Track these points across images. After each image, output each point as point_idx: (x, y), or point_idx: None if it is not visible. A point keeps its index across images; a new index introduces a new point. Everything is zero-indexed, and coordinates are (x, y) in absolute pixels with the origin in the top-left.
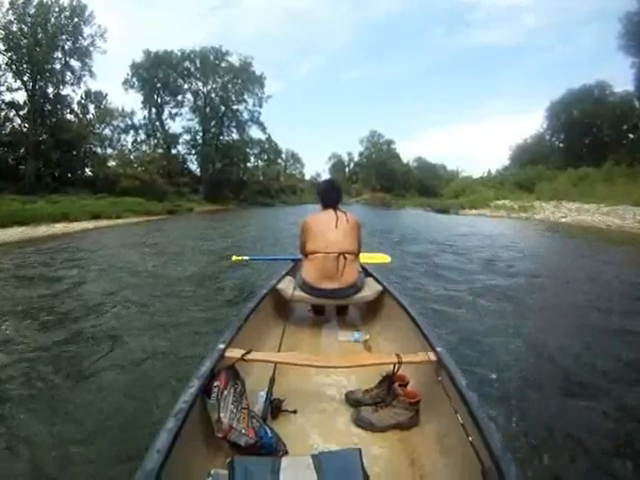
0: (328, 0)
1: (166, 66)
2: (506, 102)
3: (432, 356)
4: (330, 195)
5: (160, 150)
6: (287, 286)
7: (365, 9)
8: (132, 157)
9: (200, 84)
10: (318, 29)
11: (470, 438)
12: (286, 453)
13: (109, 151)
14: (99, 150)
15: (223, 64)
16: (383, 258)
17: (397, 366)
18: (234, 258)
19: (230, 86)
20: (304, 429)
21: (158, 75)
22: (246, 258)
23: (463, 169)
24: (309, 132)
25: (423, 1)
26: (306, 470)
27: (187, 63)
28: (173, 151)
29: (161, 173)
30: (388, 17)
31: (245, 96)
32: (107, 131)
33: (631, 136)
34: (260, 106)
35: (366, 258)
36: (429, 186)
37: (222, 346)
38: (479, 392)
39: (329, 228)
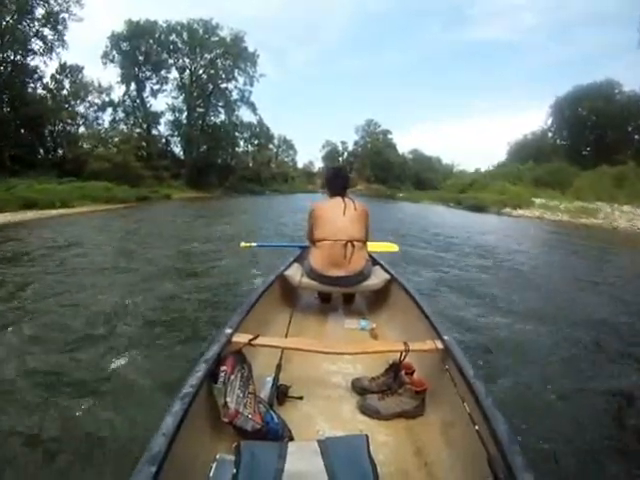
0: None
1: (148, 36)
2: (500, 99)
3: (439, 344)
4: (337, 182)
5: (138, 130)
6: (295, 273)
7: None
8: (103, 136)
9: (187, 60)
10: (316, 17)
11: (476, 427)
12: (291, 439)
13: (82, 130)
14: (70, 129)
15: (213, 38)
16: (391, 247)
17: (404, 354)
18: (242, 244)
19: (219, 62)
20: (310, 415)
21: (140, 47)
22: (254, 245)
23: (458, 163)
24: (302, 119)
25: None
26: (313, 455)
27: (173, 36)
28: (154, 132)
29: (139, 155)
30: (387, 8)
31: (235, 74)
32: (81, 108)
33: (637, 137)
34: (251, 85)
35: (374, 247)
36: (424, 179)
37: (229, 331)
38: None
39: (337, 215)
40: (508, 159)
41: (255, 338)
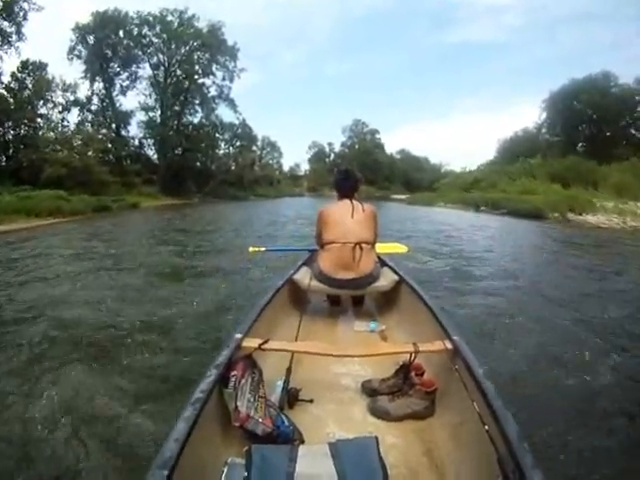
0: None
1: (116, 26)
2: (486, 98)
3: (448, 345)
4: (346, 185)
5: (104, 130)
6: (303, 276)
7: (348, 2)
8: (63, 137)
9: (160, 54)
10: (301, 21)
11: (486, 427)
12: (302, 442)
13: (43, 133)
14: (29, 131)
15: (188, 30)
16: (400, 248)
17: (413, 355)
18: (251, 249)
19: (196, 56)
20: (320, 418)
21: (107, 40)
22: (263, 249)
23: (447, 162)
24: (288, 122)
25: None
26: (323, 458)
27: (146, 29)
28: (126, 134)
29: (106, 159)
30: (373, 10)
31: (213, 68)
32: (44, 109)
33: (633, 131)
34: (231, 81)
35: (382, 248)
36: (413, 179)
37: (239, 336)
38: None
39: (345, 218)
40: (498, 157)
41: (265, 342)
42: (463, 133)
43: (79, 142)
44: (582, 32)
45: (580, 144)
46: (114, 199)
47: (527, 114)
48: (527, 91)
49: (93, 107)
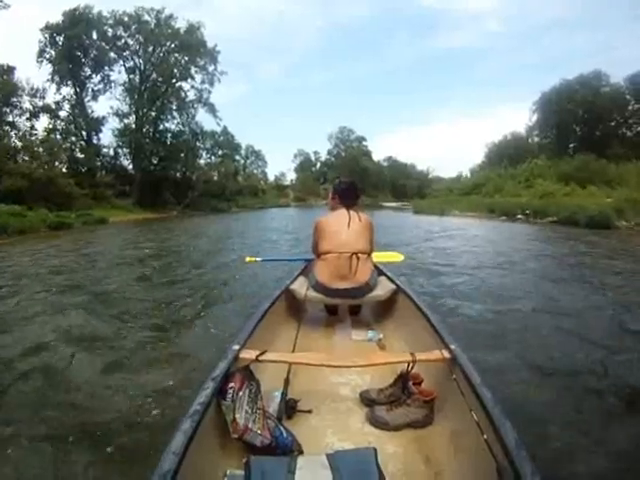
0: (295, 3)
1: (86, 25)
2: (471, 103)
3: (446, 354)
4: (349, 194)
5: (73, 138)
6: (300, 286)
7: (332, 11)
8: (21, 145)
9: (135, 56)
10: (285, 31)
11: (485, 436)
12: (301, 453)
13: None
14: None
15: (166, 30)
16: (396, 257)
17: (411, 365)
18: (247, 259)
19: (174, 58)
20: (319, 429)
21: (78, 40)
22: (259, 259)
23: (433, 169)
24: (273, 131)
25: (389, 6)
26: (322, 469)
27: (120, 30)
28: (100, 143)
29: (75, 169)
30: (357, 21)
31: (192, 71)
32: (10, 117)
33: (624, 130)
34: (211, 84)
35: (379, 257)
36: (400, 186)
37: (236, 347)
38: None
39: (342, 228)
40: (486, 162)
41: (262, 354)
42: (449, 139)
43: (43, 151)
44: (566, 36)
45: (572, 145)
46: (78, 214)
47: (513, 118)
48: (513, 95)
49: (63, 113)
